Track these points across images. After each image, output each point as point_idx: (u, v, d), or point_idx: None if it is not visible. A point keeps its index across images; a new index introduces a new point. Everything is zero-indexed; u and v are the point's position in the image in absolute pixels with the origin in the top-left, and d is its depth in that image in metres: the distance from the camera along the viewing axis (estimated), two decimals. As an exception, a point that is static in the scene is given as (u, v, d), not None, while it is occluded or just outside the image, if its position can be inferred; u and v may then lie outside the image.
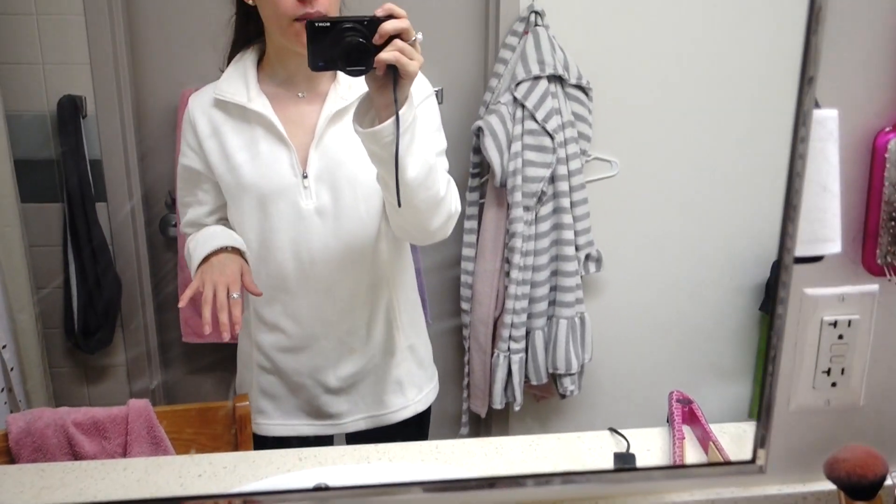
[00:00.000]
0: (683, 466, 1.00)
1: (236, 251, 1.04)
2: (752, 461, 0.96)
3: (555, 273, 1.47)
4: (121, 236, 1.50)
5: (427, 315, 1.29)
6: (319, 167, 1.04)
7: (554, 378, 1.52)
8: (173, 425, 1.07)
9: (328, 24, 0.87)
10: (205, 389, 1.58)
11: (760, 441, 0.96)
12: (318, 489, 0.81)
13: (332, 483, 0.82)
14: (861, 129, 0.94)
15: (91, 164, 1.45)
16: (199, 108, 1.05)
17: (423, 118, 0.98)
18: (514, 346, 1.47)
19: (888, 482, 1.00)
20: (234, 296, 0.99)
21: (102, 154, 1.45)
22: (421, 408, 1.20)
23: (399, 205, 0.91)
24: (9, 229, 1.39)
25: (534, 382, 1.51)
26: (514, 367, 1.48)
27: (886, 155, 0.92)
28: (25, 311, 1.42)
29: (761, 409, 0.95)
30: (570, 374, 1.50)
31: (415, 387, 1.19)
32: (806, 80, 0.86)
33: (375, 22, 0.86)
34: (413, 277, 1.22)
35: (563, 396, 1.52)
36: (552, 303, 1.48)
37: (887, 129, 0.93)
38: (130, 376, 1.57)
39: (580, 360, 1.50)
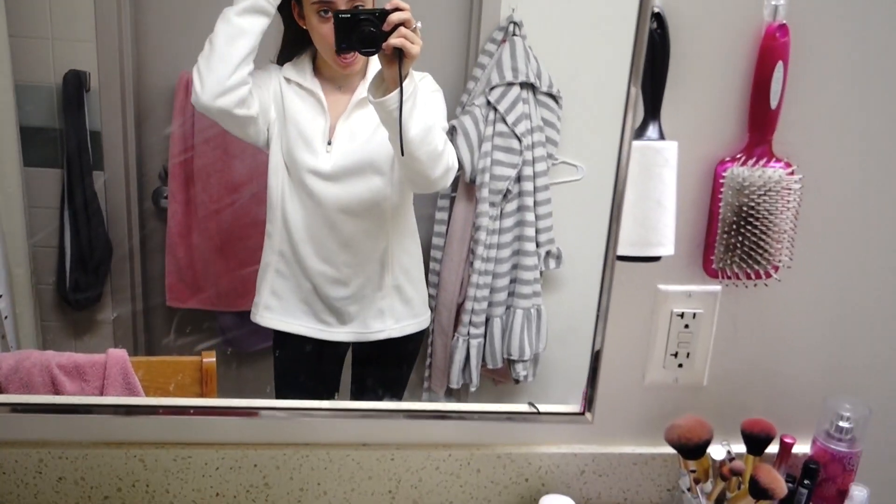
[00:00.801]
0: (519, 413, 1.22)
1: None
2: (582, 413, 1.27)
3: (515, 266, 1.58)
4: (114, 203, 1.60)
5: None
6: (341, 137, 1.33)
7: (509, 363, 1.62)
8: (147, 374, 1.19)
9: (349, 15, 1.15)
10: (184, 350, 1.68)
11: (589, 399, 1.16)
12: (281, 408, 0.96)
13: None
14: (705, 158, 1.10)
15: (91, 135, 1.54)
16: (276, 72, 1.34)
17: (429, 101, 1.30)
18: (473, 331, 1.57)
19: (715, 447, 1.17)
20: None
21: (102, 126, 1.55)
22: (396, 334, 1.45)
23: (402, 154, 1.19)
24: (11, 190, 1.49)
25: (489, 366, 1.62)
26: (472, 351, 1.58)
27: (722, 181, 1.07)
28: (21, 266, 1.52)
29: (591, 374, 1.13)
30: (524, 361, 1.61)
31: (393, 317, 1.44)
32: (625, 118, 1.04)
33: (385, 13, 1.13)
34: (414, 234, 1.46)
35: (517, 381, 1.63)
36: (511, 294, 1.59)
37: (726, 159, 1.08)
38: (115, 333, 1.67)
39: (533, 349, 1.61)
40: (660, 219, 1.04)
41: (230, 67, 1.23)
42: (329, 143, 1.34)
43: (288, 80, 1.35)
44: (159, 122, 1.58)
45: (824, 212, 1.21)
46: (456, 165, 1.30)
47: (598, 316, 1.14)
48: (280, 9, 1.31)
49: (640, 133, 1.07)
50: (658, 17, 1.03)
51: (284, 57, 1.36)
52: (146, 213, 1.67)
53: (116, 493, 1.44)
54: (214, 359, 1.25)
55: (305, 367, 1.48)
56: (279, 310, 1.42)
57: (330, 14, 1.23)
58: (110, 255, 1.62)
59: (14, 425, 1.41)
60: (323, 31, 1.26)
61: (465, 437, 1.54)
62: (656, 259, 1.12)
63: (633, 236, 1.07)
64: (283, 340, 1.45)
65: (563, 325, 1.69)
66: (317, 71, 1.36)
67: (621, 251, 1.09)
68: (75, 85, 1.51)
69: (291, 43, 1.35)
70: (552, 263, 1.61)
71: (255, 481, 1.50)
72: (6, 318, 1.42)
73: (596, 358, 1.19)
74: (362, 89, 1.32)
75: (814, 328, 1.30)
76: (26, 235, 1.53)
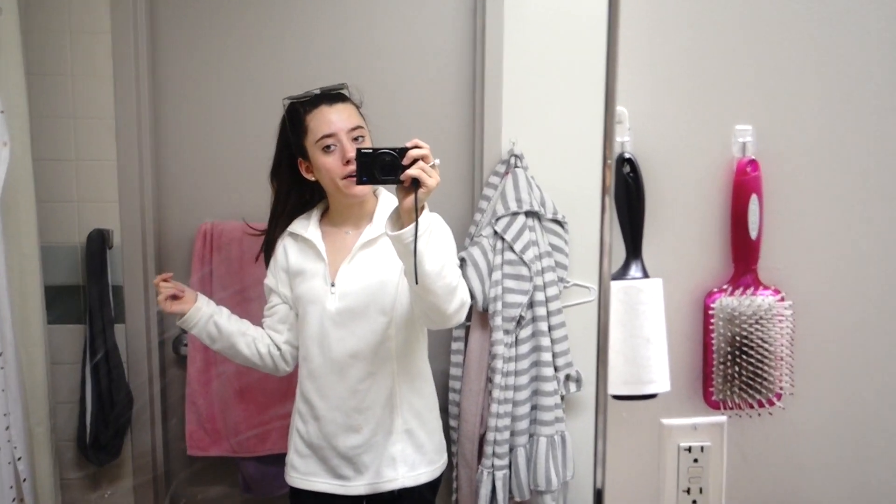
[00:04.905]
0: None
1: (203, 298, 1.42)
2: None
3: (535, 392, 1.56)
4: (135, 354, 1.63)
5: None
6: (345, 280, 1.35)
7: (538, 494, 1.57)
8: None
9: (371, 150, 1.18)
10: (206, 500, 1.65)
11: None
12: None
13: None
14: (693, 291, 1.13)
15: (113, 290, 1.60)
16: (281, 240, 1.43)
17: (444, 238, 1.30)
18: (497, 462, 1.53)
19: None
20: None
21: (124, 281, 1.61)
22: (409, 483, 1.38)
23: (416, 283, 1.18)
24: (34, 349, 1.51)
25: (517, 499, 1.57)
26: (498, 484, 1.54)
27: (711, 312, 1.09)
28: (42, 424, 1.52)
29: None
30: (552, 492, 1.55)
31: (406, 465, 1.38)
32: (601, 262, 1.05)
33: (405, 150, 1.17)
34: (426, 376, 1.42)
35: (547, 514, 1.58)
36: (533, 421, 1.56)
37: (714, 290, 1.10)
38: (135, 486, 1.65)
39: (560, 478, 1.56)
40: (651, 356, 1.06)
41: (256, 353, 1.41)
42: (333, 286, 1.36)
43: (291, 235, 1.40)
44: (179, 273, 1.64)
45: (820, 334, 1.20)
46: (469, 301, 1.29)
47: (595, 459, 1.11)
48: (291, 185, 1.40)
49: (622, 273, 1.09)
50: (630, 162, 1.08)
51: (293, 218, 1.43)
52: (167, 362, 1.69)
53: None
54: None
55: None
56: (302, 469, 1.39)
57: (332, 149, 1.33)
58: (131, 407, 1.62)
59: None
60: (328, 165, 1.33)
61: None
62: (652, 396, 1.11)
63: (626, 375, 1.08)
64: (299, 496, 1.42)
65: (589, 451, 1.65)
66: (325, 219, 1.42)
67: (614, 391, 1.09)
68: (98, 243, 1.57)
69: (300, 206, 1.43)
70: (572, 387, 1.59)
71: None
72: (24, 480, 1.41)
73: (598, 500, 1.14)
74: (369, 231, 1.37)
75: (829, 453, 1.25)
76: (48, 392, 1.54)
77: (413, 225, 1.15)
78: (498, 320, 1.52)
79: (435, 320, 1.28)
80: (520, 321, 1.53)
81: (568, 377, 1.58)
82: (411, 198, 1.15)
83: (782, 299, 1.11)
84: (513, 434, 1.55)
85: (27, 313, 1.50)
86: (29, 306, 1.50)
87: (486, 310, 1.54)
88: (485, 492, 1.54)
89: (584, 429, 1.65)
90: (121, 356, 1.61)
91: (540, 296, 1.53)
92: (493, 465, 1.54)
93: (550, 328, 1.55)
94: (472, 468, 1.58)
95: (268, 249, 1.45)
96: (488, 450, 1.54)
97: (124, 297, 1.61)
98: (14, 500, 1.36)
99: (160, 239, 1.65)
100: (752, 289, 1.10)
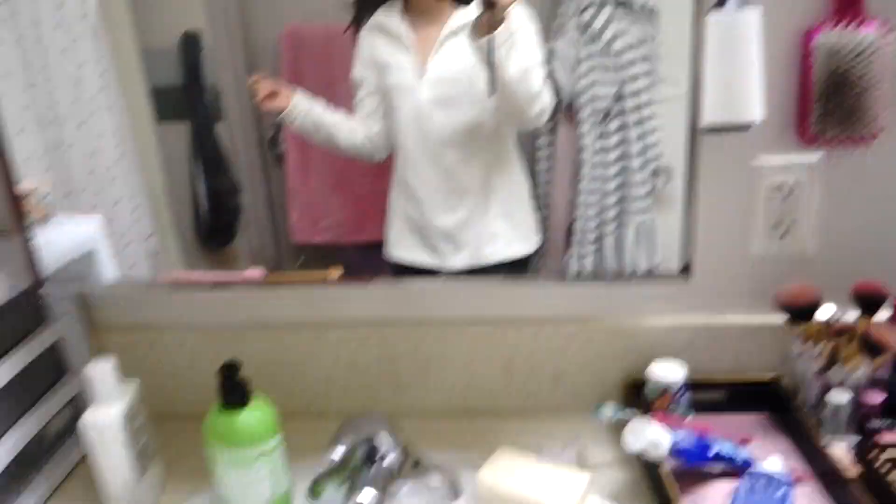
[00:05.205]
0: (626, 276, 1.38)
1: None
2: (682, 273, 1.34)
3: (623, 184, 1.57)
4: (238, 151, 1.72)
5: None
6: (436, 69, 1.42)
7: (624, 279, 1.64)
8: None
9: None
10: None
11: (686, 262, 1.33)
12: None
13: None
14: (793, 23, 1.05)
15: (212, 89, 1.65)
16: (365, 31, 1.47)
17: (523, 36, 1.33)
18: (585, 249, 1.60)
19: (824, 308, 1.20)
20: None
21: (219, 81, 1.65)
22: (510, 254, 1.53)
23: (491, 94, 1.26)
24: (146, 145, 1.63)
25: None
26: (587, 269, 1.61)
27: (812, 45, 1.01)
28: (164, 211, 1.68)
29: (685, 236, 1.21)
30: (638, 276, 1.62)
31: (504, 240, 1.52)
32: None
33: None
34: (517, 162, 1.50)
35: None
36: (621, 211, 1.59)
37: (816, 23, 1.01)
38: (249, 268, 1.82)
39: (648, 263, 1.61)
40: (746, 85, 1.02)
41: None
42: (422, 77, 1.37)
43: (376, 27, 1.42)
44: (271, 72, 1.67)
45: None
46: (550, 105, 1.32)
47: (690, 180, 1.13)
48: None
49: (720, 2, 1.03)
50: None
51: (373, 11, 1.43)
52: (267, 157, 1.78)
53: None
54: (340, 272, 1.41)
55: None
56: (403, 243, 1.51)
57: None
58: (238, 196, 1.75)
59: (171, 307, 1.68)
60: None
61: (573, 311, 1.66)
62: (745, 128, 1.09)
63: (719, 104, 1.05)
64: (401, 270, 1.55)
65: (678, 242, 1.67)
66: (408, 9, 1.42)
67: (708, 118, 1.07)
68: (190, 45, 1.61)
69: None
70: (661, 180, 1.59)
71: (386, 352, 1.67)
72: (157, 253, 1.58)
73: (689, 220, 1.18)
74: (453, 22, 1.38)
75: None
76: (164, 182, 1.68)
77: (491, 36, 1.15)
78: (586, 113, 1.50)
79: (516, 122, 1.32)
80: (607, 115, 1.51)
81: (657, 170, 1.57)
82: (487, 15, 1.14)
83: (888, 31, 1.04)
84: (601, 223, 1.59)
85: (138, 111, 1.59)
86: (136, 105, 1.59)
87: (572, 103, 1.52)
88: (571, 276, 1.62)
89: (672, 222, 1.66)
90: (224, 152, 1.70)
91: (628, 88, 1.49)
92: (580, 252, 1.60)
93: (640, 121, 1.52)
94: (560, 255, 1.64)
95: (357, 25, 1.46)
96: (577, 237, 1.59)
97: (220, 97, 1.67)
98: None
99: (248, 41, 1.67)
100: (855, 22, 1.03)
